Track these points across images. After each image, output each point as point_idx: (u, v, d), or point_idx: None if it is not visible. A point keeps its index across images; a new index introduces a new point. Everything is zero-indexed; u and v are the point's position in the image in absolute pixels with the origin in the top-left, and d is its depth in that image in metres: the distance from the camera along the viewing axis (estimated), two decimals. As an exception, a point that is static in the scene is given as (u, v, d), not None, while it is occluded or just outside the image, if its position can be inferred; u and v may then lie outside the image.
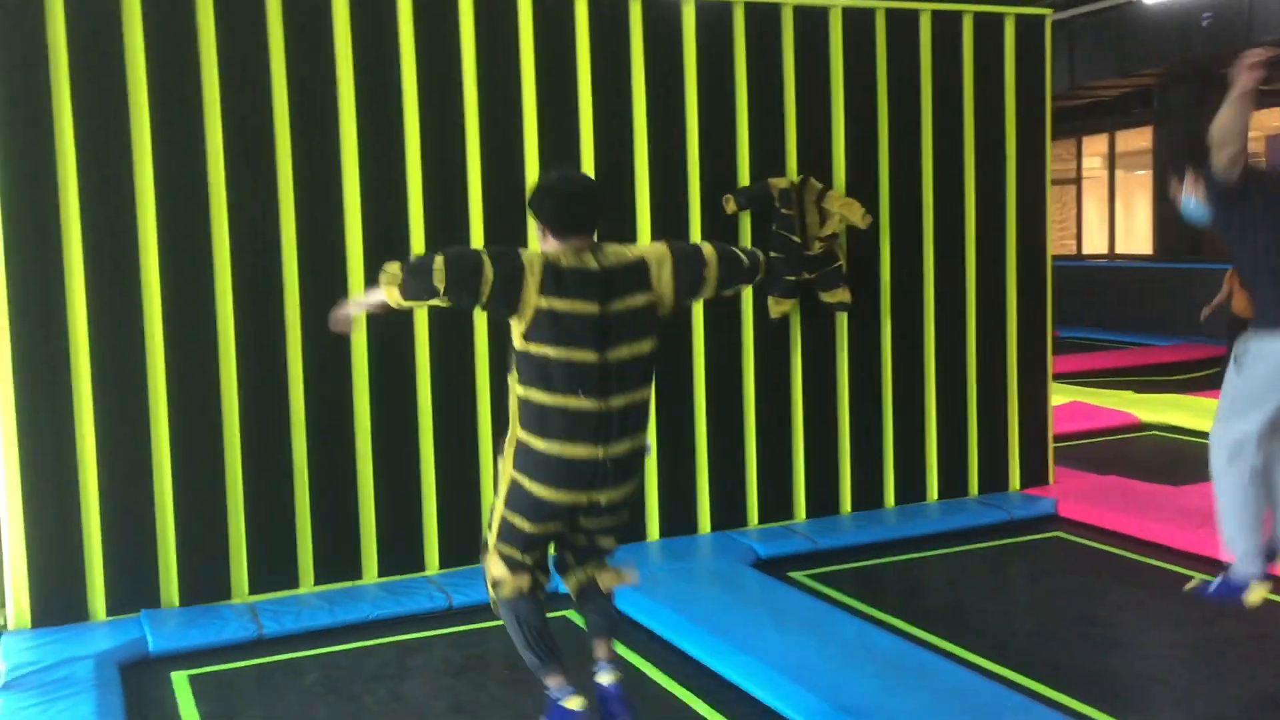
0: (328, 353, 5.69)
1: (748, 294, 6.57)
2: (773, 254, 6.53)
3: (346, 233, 5.71)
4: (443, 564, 5.92)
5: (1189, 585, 4.50)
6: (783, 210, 6.49)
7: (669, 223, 6.36)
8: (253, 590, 5.60)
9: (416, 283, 3.22)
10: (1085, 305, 17.17)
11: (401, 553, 5.86)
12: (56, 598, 5.27)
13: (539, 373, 3.24)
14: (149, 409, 5.41)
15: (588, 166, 6.17)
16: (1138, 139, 18.88)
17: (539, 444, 3.26)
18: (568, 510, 3.39)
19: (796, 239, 6.50)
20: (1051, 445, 7.50)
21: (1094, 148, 19.83)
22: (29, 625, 5.22)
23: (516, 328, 3.30)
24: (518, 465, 3.34)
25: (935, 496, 7.13)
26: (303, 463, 5.67)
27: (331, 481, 5.73)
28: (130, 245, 5.35)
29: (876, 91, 6.83)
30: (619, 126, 6.24)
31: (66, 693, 4.44)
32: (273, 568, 5.64)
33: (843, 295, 6.65)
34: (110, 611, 5.36)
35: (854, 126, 6.78)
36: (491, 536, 3.50)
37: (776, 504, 6.73)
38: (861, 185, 6.79)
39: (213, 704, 4.57)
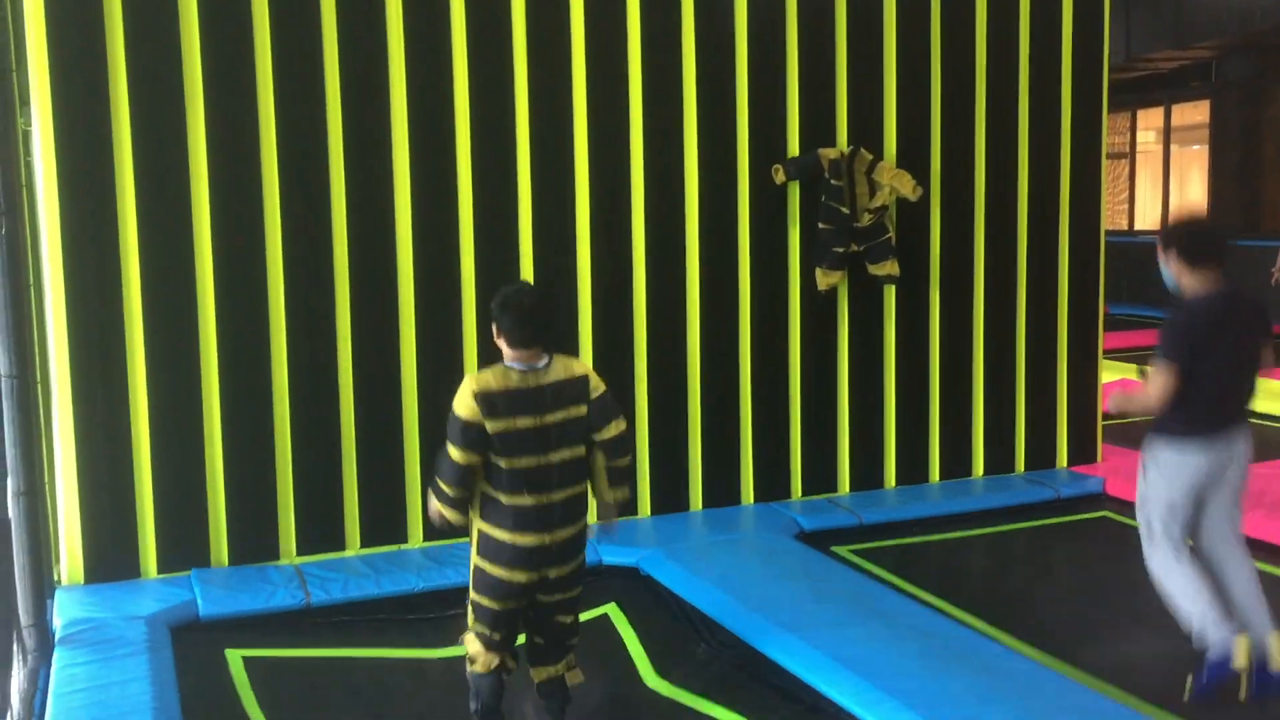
0: (376, 319, 5.73)
1: (795, 266, 6.54)
2: (821, 225, 6.49)
3: (396, 197, 5.73)
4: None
5: (1186, 696, 4.24)
6: (832, 181, 6.43)
7: (718, 193, 6.33)
8: (300, 552, 5.67)
9: (459, 491, 3.79)
10: (1137, 282, 16.92)
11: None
12: (109, 555, 5.37)
13: (493, 475, 3.77)
14: (200, 371, 5.47)
15: (636, 138, 6.14)
16: (1194, 113, 18.52)
17: (496, 534, 3.78)
18: (523, 588, 3.85)
19: (845, 210, 6.44)
20: (1100, 422, 7.42)
21: (1149, 121, 19.48)
22: (82, 581, 5.32)
23: None
24: (480, 552, 3.84)
25: (981, 472, 7.08)
26: (350, 427, 5.72)
27: (378, 446, 5.77)
28: (183, 209, 5.40)
29: (930, 62, 6.73)
30: (668, 95, 6.20)
31: (120, 653, 4.51)
32: (320, 531, 5.71)
33: (891, 268, 6.59)
34: (161, 569, 5.44)
35: (906, 97, 6.70)
36: (470, 619, 3.95)
37: (820, 477, 6.71)
38: (913, 157, 6.71)
39: (262, 678, 4.61)
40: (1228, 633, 4.15)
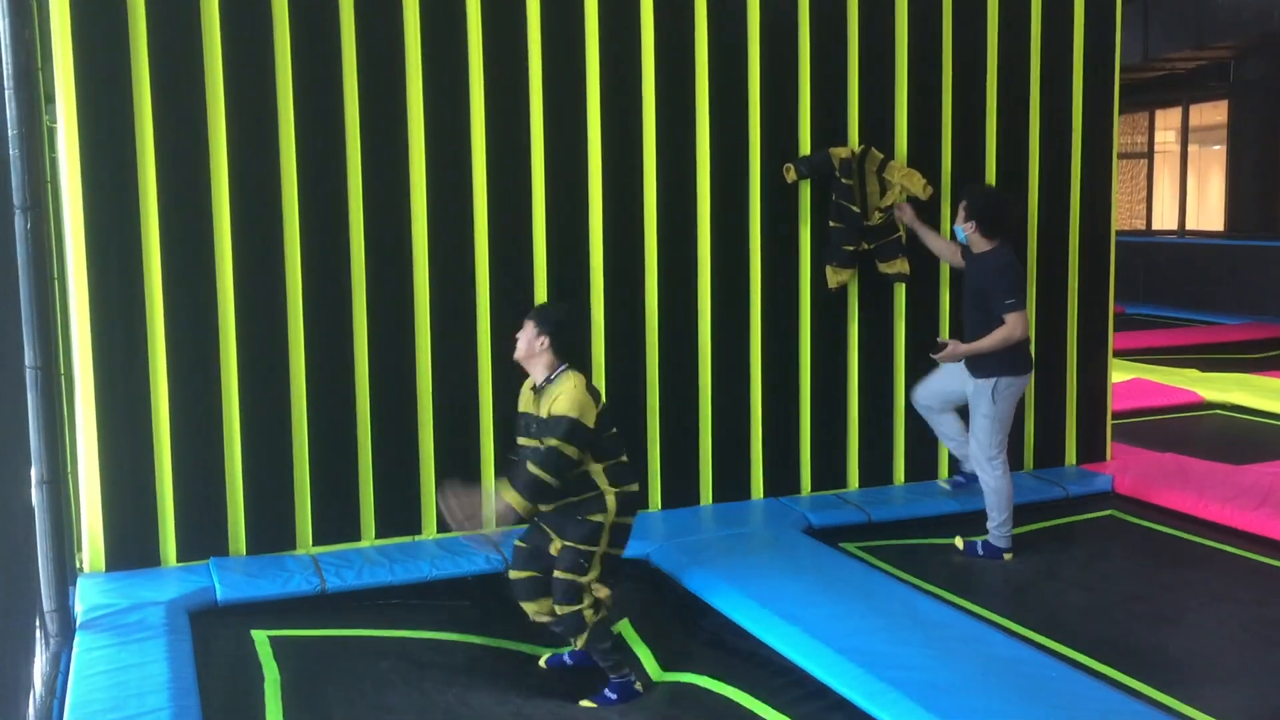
0: (391, 310, 5.82)
1: (805, 264, 6.60)
2: (832, 224, 6.55)
3: (412, 189, 5.82)
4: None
5: (959, 544, 5.99)
6: (843, 180, 6.49)
7: (729, 191, 6.40)
8: (316, 542, 5.77)
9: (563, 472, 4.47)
10: (1154, 282, 16.93)
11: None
12: (130, 544, 5.47)
13: (612, 448, 4.58)
14: (220, 363, 5.57)
15: (649, 136, 6.21)
16: (1213, 113, 18.46)
17: (629, 488, 4.61)
18: None
19: (856, 209, 6.50)
20: (1110, 421, 7.45)
21: (1167, 121, 19.44)
22: (103, 569, 5.43)
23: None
24: (620, 512, 4.55)
25: (990, 469, 7.11)
26: (365, 418, 5.81)
27: (393, 438, 5.86)
28: (204, 203, 5.49)
29: (940, 60, 6.79)
30: (681, 95, 6.27)
31: (139, 637, 4.62)
32: (336, 521, 5.80)
33: (901, 266, 6.65)
34: (180, 558, 5.55)
35: (917, 96, 6.75)
36: (594, 574, 4.51)
37: (829, 473, 6.77)
38: (923, 156, 6.76)
39: (288, 658, 4.72)
40: (1009, 533, 5.88)
